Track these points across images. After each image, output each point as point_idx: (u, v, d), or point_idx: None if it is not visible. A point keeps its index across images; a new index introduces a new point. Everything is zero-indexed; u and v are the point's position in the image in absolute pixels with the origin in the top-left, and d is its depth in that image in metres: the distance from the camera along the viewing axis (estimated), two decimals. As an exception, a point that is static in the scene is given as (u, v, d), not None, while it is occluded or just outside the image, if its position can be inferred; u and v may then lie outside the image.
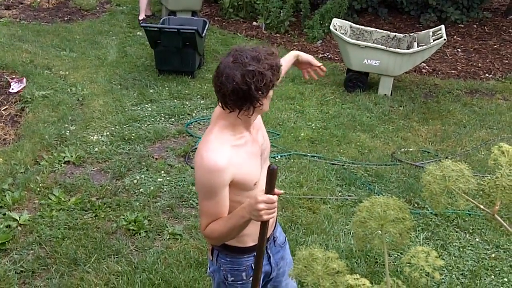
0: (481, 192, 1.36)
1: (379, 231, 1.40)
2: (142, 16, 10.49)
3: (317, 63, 3.30)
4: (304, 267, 1.42)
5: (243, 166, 2.47)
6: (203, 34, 8.34)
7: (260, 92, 2.34)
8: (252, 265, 2.68)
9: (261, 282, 2.83)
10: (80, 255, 4.51)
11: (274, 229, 2.89)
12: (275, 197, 2.27)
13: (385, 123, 7.23)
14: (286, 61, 3.16)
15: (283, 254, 2.98)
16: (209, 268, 2.91)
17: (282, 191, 2.37)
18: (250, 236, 2.58)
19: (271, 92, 2.44)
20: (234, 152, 2.46)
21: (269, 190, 2.27)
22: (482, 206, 1.33)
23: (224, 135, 2.48)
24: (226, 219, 2.46)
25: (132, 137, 6.42)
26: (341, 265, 1.40)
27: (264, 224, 2.35)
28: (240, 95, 2.34)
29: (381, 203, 1.40)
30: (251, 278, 2.62)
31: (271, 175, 2.24)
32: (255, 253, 2.53)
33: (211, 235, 2.52)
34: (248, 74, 2.30)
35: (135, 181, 5.59)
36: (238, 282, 2.77)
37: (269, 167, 2.23)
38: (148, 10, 10.92)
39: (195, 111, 7.23)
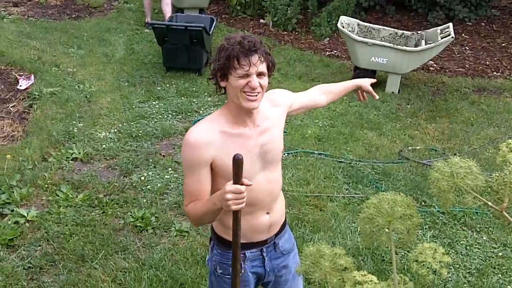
0: (489, 189, 1.36)
1: (386, 228, 1.40)
2: (148, 19, 10.43)
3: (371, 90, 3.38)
4: (312, 263, 1.42)
5: (227, 153, 2.47)
6: (211, 32, 8.35)
7: (216, 68, 2.50)
8: (242, 263, 2.70)
9: (252, 283, 2.84)
10: (88, 251, 4.52)
11: (277, 235, 2.86)
12: (242, 187, 2.28)
13: (393, 121, 7.22)
14: (345, 86, 3.35)
15: (286, 262, 2.91)
16: (207, 257, 2.97)
17: (250, 183, 2.35)
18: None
19: (232, 81, 2.46)
20: (221, 136, 2.52)
21: (236, 180, 2.27)
22: (490, 203, 1.32)
23: (218, 120, 2.57)
24: (203, 202, 2.51)
25: (140, 134, 6.44)
26: (349, 262, 1.40)
27: (235, 215, 2.36)
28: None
29: (388, 200, 1.40)
30: (239, 275, 2.61)
31: (237, 164, 2.23)
32: (243, 251, 2.62)
33: (188, 214, 2.61)
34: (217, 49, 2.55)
35: (142, 178, 5.60)
36: (226, 276, 2.76)
37: (234, 156, 2.22)
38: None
39: (203, 109, 7.24)
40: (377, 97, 3.41)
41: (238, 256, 2.47)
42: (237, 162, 2.22)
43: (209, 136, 2.50)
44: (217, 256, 2.80)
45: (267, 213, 2.74)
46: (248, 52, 2.42)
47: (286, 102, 2.84)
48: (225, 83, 2.51)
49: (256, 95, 2.47)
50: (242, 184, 2.28)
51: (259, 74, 2.45)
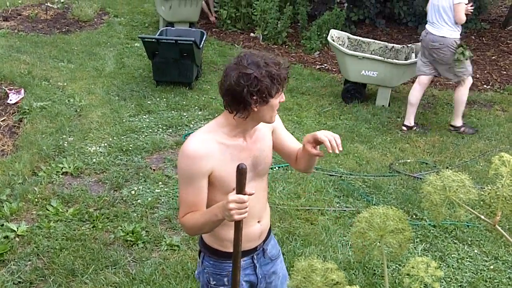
0: (481, 202, 1.35)
1: (378, 242, 1.39)
2: (409, 122, 7.45)
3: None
4: (303, 278, 1.41)
5: (224, 165, 2.49)
6: (201, 45, 8.36)
7: (253, 97, 2.36)
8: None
9: None
10: (78, 266, 4.49)
11: (265, 241, 2.88)
12: (245, 197, 2.27)
13: (383, 134, 7.23)
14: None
15: (274, 268, 2.95)
16: (196, 270, 2.95)
17: (252, 191, 2.34)
18: (232, 242, 2.56)
19: (273, 102, 2.43)
20: (219, 147, 2.50)
21: (239, 189, 2.27)
22: (483, 217, 1.32)
23: (216, 131, 2.55)
24: (202, 213, 2.50)
25: (130, 148, 6.41)
26: (341, 276, 1.39)
27: (237, 225, 2.35)
28: (233, 96, 2.39)
29: (380, 214, 1.39)
30: (238, 283, 2.61)
31: (240, 174, 2.23)
32: None
33: (185, 225, 2.57)
34: (243, 77, 2.34)
35: (132, 192, 5.57)
36: (220, 287, 2.77)
37: (238, 166, 2.22)
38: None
39: (193, 122, 7.23)
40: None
41: (239, 264, 2.46)
42: (241, 171, 2.22)
43: (208, 146, 2.48)
44: (209, 267, 2.78)
45: (258, 221, 2.76)
46: (281, 77, 2.43)
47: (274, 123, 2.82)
48: (260, 106, 2.42)
49: None
50: (245, 194, 2.28)
51: None
